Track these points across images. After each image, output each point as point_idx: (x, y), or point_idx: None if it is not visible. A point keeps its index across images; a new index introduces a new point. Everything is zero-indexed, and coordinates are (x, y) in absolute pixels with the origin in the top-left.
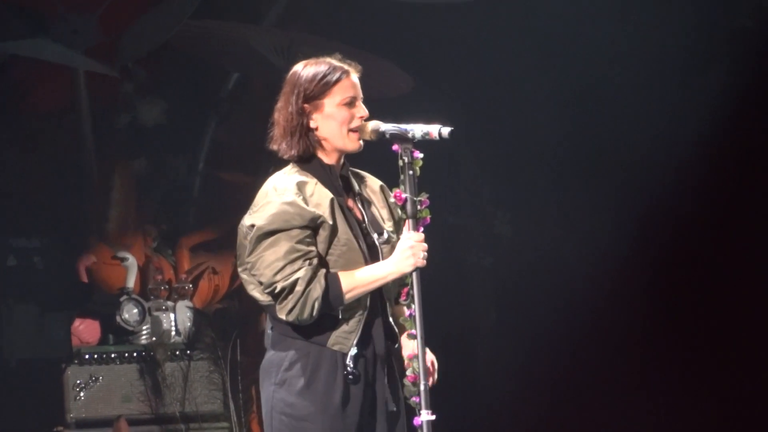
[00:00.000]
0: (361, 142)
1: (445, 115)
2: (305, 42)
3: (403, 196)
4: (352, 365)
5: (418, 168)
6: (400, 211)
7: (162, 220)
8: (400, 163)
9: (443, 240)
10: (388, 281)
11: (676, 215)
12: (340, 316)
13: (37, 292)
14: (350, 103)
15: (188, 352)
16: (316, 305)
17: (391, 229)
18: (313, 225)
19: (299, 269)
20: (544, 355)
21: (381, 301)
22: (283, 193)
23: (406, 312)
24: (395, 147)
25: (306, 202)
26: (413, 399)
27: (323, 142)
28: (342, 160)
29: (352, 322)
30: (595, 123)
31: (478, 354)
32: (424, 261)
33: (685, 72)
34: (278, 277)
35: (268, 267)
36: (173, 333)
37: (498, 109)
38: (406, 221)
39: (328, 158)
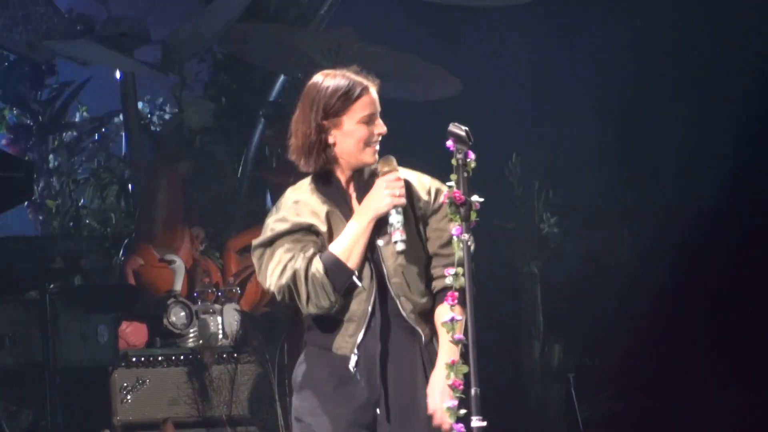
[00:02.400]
0: (377, 154)
1: (492, 118)
2: (353, 45)
3: (463, 198)
4: (353, 368)
5: (470, 170)
6: (449, 211)
7: (209, 222)
8: (454, 162)
9: (491, 243)
10: (372, 222)
11: (730, 216)
12: (345, 318)
13: (84, 293)
14: (369, 121)
15: (235, 355)
16: (326, 284)
17: (402, 247)
18: (306, 228)
19: (296, 262)
20: (593, 359)
21: (389, 302)
22: (278, 210)
23: (446, 317)
24: (450, 145)
25: (299, 214)
26: (450, 405)
27: (340, 158)
28: (361, 170)
29: (353, 326)
30: (645, 124)
31: (526, 359)
32: (402, 199)
33: (736, 74)
34: (282, 278)
35: (272, 274)
36: (220, 336)
37: (545, 111)
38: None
39: (342, 173)
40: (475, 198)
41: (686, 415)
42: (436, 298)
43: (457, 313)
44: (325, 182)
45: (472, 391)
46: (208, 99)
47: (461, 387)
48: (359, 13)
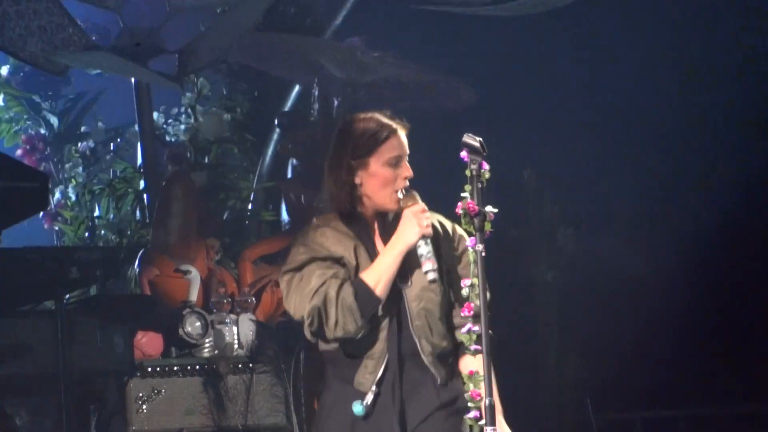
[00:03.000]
0: (401, 201)
1: (505, 128)
2: (369, 55)
3: (477, 209)
4: (369, 404)
5: (484, 179)
6: (464, 222)
7: (225, 232)
8: (468, 173)
9: (506, 253)
10: (402, 254)
11: (747, 226)
12: (366, 355)
13: (99, 303)
14: (396, 163)
15: (251, 365)
16: (354, 310)
17: (433, 276)
18: (336, 259)
19: (329, 286)
20: (609, 370)
21: (409, 343)
22: (306, 237)
23: (464, 328)
24: (464, 156)
25: (328, 245)
26: (472, 416)
27: (365, 199)
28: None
29: (372, 364)
30: (657, 136)
31: (542, 369)
32: (429, 229)
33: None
34: (314, 300)
35: (303, 297)
36: (236, 346)
37: (559, 120)
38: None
39: (366, 213)
40: (489, 208)
41: (703, 426)
42: (458, 349)
43: (473, 324)
44: (351, 219)
45: (486, 401)
46: (223, 109)
47: (479, 398)
48: (375, 23)
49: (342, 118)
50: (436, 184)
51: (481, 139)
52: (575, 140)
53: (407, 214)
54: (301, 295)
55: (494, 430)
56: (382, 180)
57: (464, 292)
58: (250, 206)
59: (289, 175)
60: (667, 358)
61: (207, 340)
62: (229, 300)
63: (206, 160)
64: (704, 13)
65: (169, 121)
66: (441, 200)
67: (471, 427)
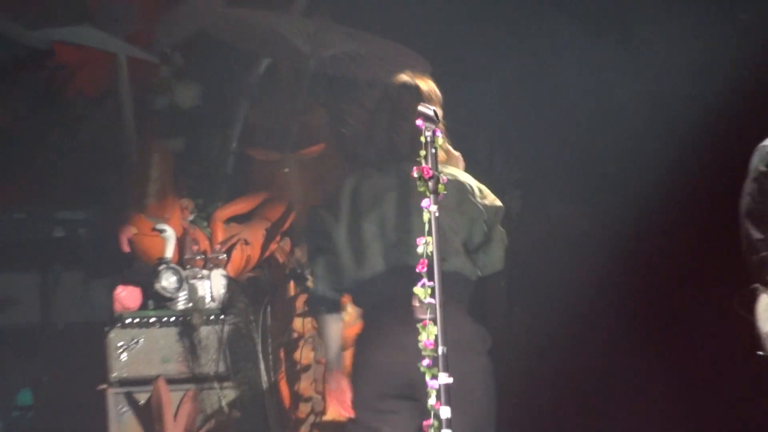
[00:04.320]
0: None
1: (461, 100)
2: (329, 29)
3: (431, 171)
4: None
5: (438, 145)
6: (419, 184)
7: (198, 194)
8: (423, 139)
9: None
10: None
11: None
12: None
13: (82, 261)
14: None
15: (222, 317)
16: None
17: None
18: None
19: None
20: (554, 321)
21: None
22: None
23: (420, 283)
24: (420, 124)
25: None
26: (425, 363)
27: None
28: None
29: None
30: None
31: (492, 320)
32: None
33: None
34: None
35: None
36: (208, 299)
37: (513, 98)
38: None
39: None
40: (443, 172)
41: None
42: None
43: (427, 279)
44: None
45: (440, 350)
46: (195, 81)
47: (432, 346)
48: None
49: (308, 89)
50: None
51: (435, 108)
52: (527, 108)
53: None
54: None
55: (448, 375)
56: None
57: (419, 249)
58: (221, 170)
59: (258, 141)
60: (612, 311)
61: (181, 294)
62: (202, 257)
63: (181, 128)
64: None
65: (146, 91)
66: None
67: (425, 373)
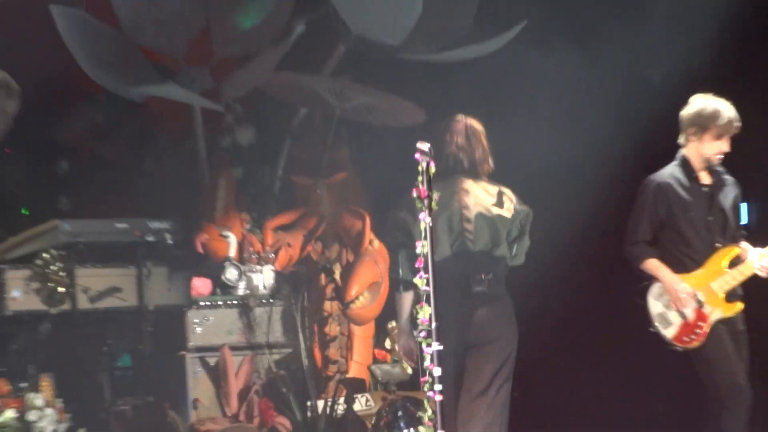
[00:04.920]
0: None
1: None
2: (350, 87)
3: (426, 192)
4: None
5: (431, 173)
6: (417, 202)
7: (253, 209)
8: (420, 168)
9: None
10: None
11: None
12: None
13: (167, 259)
14: None
15: (271, 300)
16: None
17: None
18: None
19: None
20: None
21: None
22: None
23: (419, 274)
24: (418, 156)
25: None
26: (422, 335)
27: None
28: None
29: None
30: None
31: None
32: None
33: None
34: None
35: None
36: (261, 288)
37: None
38: None
39: None
40: (434, 194)
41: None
42: None
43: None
44: None
45: (434, 325)
46: (251, 125)
47: (427, 323)
48: (357, 66)
49: (335, 132)
50: (398, 175)
51: (429, 144)
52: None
53: None
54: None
55: (439, 344)
56: None
57: (418, 250)
58: (270, 191)
59: (298, 170)
60: (553, 294)
61: (241, 284)
62: (256, 256)
63: (241, 160)
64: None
65: (215, 132)
66: (405, 188)
67: (420, 343)
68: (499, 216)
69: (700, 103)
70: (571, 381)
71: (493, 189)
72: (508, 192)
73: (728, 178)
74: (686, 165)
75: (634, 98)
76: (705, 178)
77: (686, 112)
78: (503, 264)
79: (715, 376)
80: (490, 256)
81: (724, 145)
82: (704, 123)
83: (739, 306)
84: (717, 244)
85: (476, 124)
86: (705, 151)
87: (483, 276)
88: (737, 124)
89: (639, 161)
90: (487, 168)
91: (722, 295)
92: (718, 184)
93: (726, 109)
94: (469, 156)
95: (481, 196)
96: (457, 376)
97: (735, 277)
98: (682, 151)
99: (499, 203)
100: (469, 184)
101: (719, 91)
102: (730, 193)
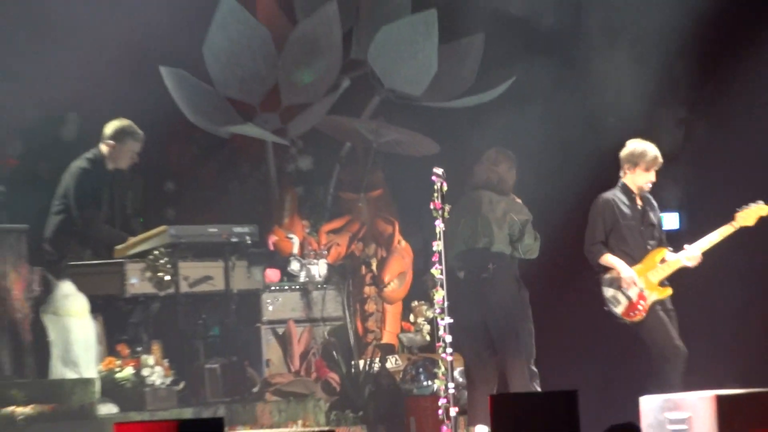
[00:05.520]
0: None
1: (459, 153)
2: (383, 126)
3: (440, 205)
4: None
5: (443, 191)
6: (434, 212)
7: (311, 218)
8: (435, 187)
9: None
10: None
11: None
12: None
13: (247, 255)
14: None
15: (324, 286)
16: None
17: None
18: None
19: None
20: None
21: None
22: None
23: (433, 267)
24: (434, 178)
25: None
26: (437, 311)
27: None
28: None
29: None
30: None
31: None
32: None
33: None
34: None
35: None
36: (317, 276)
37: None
38: None
39: None
40: (447, 206)
41: None
42: None
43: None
44: None
45: (446, 304)
46: (310, 154)
47: (442, 302)
48: (389, 111)
49: (372, 160)
50: (419, 192)
51: (443, 169)
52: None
53: None
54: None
55: (451, 319)
56: None
57: (435, 247)
58: (324, 204)
59: (345, 187)
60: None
61: (302, 273)
62: (314, 252)
63: (301, 180)
64: None
65: (282, 160)
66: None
67: (435, 317)
68: (509, 220)
69: (633, 145)
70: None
71: (507, 200)
72: (517, 204)
73: (653, 202)
74: (625, 189)
75: (589, 141)
76: (638, 200)
77: (623, 152)
78: (504, 257)
79: (657, 339)
80: (491, 252)
81: (651, 176)
82: (635, 160)
83: (669, 291)
84: (648, 246)
85: (502, 154)
86: (637, 180)
87: (490, 266)
88: (660, 161)
89: (592, 186)
90: (505, 185)
91: (656, 282)
92: (648, 204)
93: (651, 150)
94: (494, 176)
95: (497, 206)
96: (474, 340)
97: (665, 270)
98: (623, 179)
99: (509, 212)
100: (491, 196)
101: (651, 135)
102: (656, 211)
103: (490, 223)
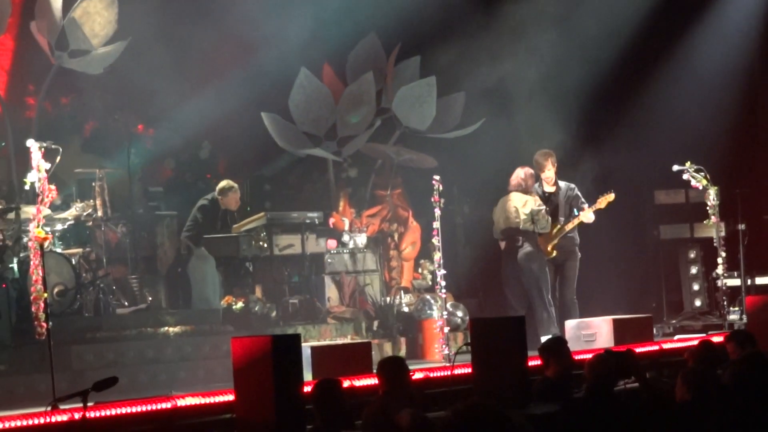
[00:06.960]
0: None
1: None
2: (403, 149)
3: (438, 199)
4: None
5: (439, 190)
6: (434, 204)
7: (356, 206)
8: (435, 187)
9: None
10: None
11: None
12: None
13: (316, 230)
14: None
15: (365, 250)
16: None
17: None
18: None
19: None
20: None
21: None
22: None
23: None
24: (434, 182)
25: None
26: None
27: None
28: None
29: None
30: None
31: None
32: None
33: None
34: None
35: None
36: (360, 244)
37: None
38: None
39: None
40: (442, 200)
41: None
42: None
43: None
44: None
45: (442, 272)
46: (355, 167)
47: (439, 260)
48: (408, 139)
49: (395, 170)
50: (425, 191)
51: (439, 176)
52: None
53: None
54: None
55: (444, 270)
56: None
57: (434, 226)
58: (365, 197)
59: (378, 187)
60: None
61: (350, 243)
62: (357, 229)
63: (350, 184)
64: None
65: (338, 171)
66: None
67: (435, 270)
68: (531, 209)
69: (539, 154)
70: None
71: (528, 198)
72: (532, 199)
73: (563, 185)
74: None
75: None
76: (549, 188)
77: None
78: (528, 233)
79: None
80: (519, 229)
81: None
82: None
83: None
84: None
85: (526, 170)
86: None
87: (520, 238)
88: (555, 164)
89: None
90: (528, 188)
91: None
92: (557, 191)
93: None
94: (522, 183)
95: (522, 201)
96: (512, 287)
97: (567, 227)
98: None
99: (530, 204)
100: (518, 195)
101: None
102: (563, 193)
103: (519, 211)
